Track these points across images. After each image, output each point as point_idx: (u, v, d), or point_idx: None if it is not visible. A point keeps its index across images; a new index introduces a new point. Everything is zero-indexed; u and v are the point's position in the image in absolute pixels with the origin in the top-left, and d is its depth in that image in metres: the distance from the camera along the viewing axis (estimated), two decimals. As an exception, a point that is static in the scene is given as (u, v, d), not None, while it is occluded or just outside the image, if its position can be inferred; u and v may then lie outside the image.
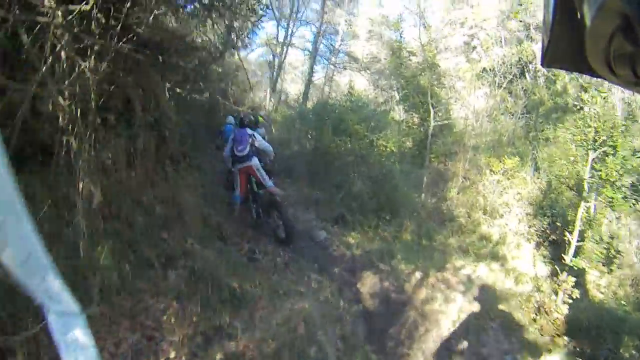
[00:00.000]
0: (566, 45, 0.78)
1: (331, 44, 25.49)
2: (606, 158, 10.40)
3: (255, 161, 7.95)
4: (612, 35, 0.65)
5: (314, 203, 11.04)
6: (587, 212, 11.17)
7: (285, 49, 21.67)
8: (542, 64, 0.88)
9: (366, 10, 28.68)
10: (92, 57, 4.40)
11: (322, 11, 22.44)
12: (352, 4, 26.78)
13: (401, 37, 20.23)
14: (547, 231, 13.65)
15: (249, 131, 8.13)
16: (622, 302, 11.06)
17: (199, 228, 6.58)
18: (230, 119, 13.81)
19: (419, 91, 18.15)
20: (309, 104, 20.24)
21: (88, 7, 3.91)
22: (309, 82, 20.97)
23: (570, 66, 0.84)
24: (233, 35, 11.77)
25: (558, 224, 13.12)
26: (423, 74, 18.01)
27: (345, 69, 24.90)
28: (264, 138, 10.87)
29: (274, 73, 20.91)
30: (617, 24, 0.62)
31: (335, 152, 12.39)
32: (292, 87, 29.08)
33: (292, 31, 22.50)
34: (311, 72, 22.01)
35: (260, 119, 20.60)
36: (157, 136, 6.46)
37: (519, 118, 20.22)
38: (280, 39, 22.59)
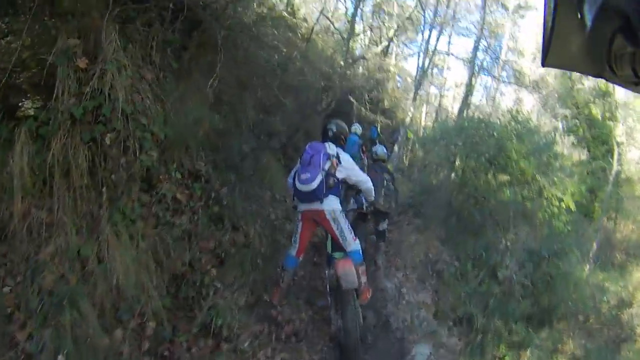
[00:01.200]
0: (567, 46, 0.78)
1: (494, 54, 21.74)
2: None
3: (331, 204, 4.61)
4: (612, 36, 0.66)
5: (436, 275, 7.16)
6: None
7: (431, 56, 18.27)
8: (542, 64, 0.87)
9: (532, 26, 24.19)
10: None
11: (483, 11, 18.44)
12: (517, 14, 22.28)
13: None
14: None
15: (331, 148, 4.72)
16: None
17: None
18: (357, 127, 10.70)
19: (591, 123, 15.23)
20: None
21: None
22: (466, 96, 16.97)
23: (571, 66, 0.87)
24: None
25: None
26: (596, 101, 15.09)
27: (510, 83, 21.04)
28: (374, 163, 7.49)
29: (417, 80, 17.31)
30: (618, 24, 0.63)
31: (485, 197, 8.26)
32: (456, 106, 25.27)
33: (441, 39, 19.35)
34: (470, 84, 17.99)
35: (410, 134, 17.32)
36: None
37: None
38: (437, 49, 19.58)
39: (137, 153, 4.00)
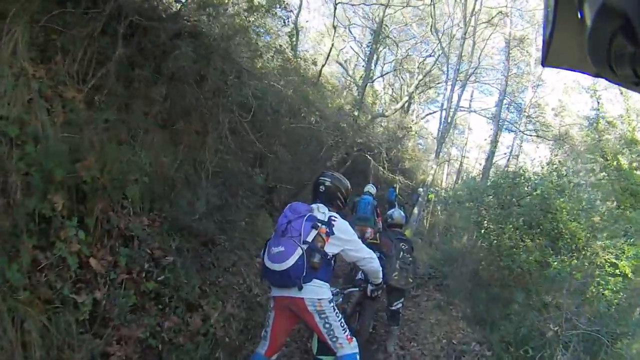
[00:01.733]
0: (567, 45, 0.78)
1: (519, 107, 20.89)
2: None
3: (315, 291, 3.19)
4: (612, 35, 0.64)
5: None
6: None
7: (454, 110, 17.29)
8: (542, 64, 0.86)
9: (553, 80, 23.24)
10: None
11: (507, 61, 17.58)
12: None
13: (598, 102, 15.87)
14: None
15: (320, 211, 3.36)
16: None
17: None
18: (371, 187, 9.36)
19: (620, 174, 13.91)
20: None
21: None
22: (491, 155, 15.58)
23: (571, 66, 0.84)
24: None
25: None
26: (625, 151, 14.15)
27: (538, 136, 19.48)
28: (391, 227, 6.32)
29: (440, 134, 16.09)
30: (618, 24, 0.61)
31: (523, 268, 6.66)
32: (478, 168, 24.57)
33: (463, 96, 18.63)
34: (495, 140, 16.65)
35: (431, 195, 15.83)
36: None
37: None
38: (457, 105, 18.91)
39: (20, 194, 2.72)
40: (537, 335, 5.52)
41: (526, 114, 19.62)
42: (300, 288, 3.06)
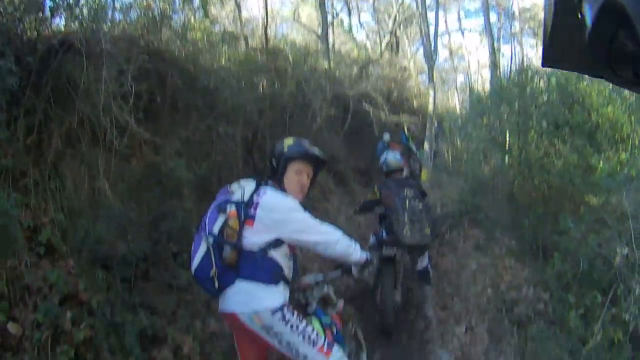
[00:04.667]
0: (567, 45, 0.78)
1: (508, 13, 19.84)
2: None
3: (244, 299, 2.31)
4: (612, 35, 0.65)
5: (518, 326, 4.49)
6: None
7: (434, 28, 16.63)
8: (542, 64, 0.86)
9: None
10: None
11: None
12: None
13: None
14: None
15: (241, 188, 2.51)
16: None
17: None
18: (385, 135, 9.19)
19: None
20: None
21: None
22: (494, 68, 14.31)
23: (571, 66, 0.89)
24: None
25: None
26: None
27: (536, 34, 18.64)
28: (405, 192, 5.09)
29: (425, 58, 15.02)
30: (618, 24, 0.62)
31: (560, 176, 5.57)
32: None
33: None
34: (493, 51, 15.38)
35: (445, 124, 14.75)
36: None
37: None
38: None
39: None
40: (602, 264, 4.39)
41: (517, 15, 18.33)
42: (223, 297, 2.33)
